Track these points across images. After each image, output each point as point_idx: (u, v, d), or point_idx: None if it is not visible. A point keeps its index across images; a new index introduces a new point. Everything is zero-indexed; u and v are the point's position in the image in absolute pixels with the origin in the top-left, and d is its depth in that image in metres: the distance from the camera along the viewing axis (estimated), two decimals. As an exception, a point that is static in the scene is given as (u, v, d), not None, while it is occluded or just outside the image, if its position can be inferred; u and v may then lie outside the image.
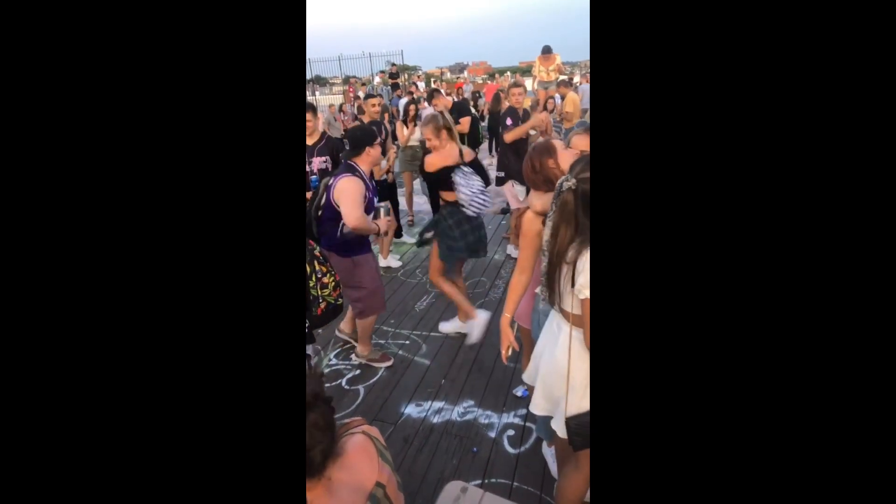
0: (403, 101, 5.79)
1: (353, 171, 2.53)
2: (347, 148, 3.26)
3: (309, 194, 3.15)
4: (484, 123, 8.61)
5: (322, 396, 1.02)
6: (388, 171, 4.05)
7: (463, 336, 3.13)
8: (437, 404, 2.59)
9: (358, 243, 2.63)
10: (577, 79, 11.60)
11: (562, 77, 7.97)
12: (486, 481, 2.09)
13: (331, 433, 1.01)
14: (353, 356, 3.02)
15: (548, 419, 1.62)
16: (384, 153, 3.53)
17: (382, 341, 3.21)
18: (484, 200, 2.78)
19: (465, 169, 2.78)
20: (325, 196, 2.54)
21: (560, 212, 1.36)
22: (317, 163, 3.36)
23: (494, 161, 4.75)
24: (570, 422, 1.42)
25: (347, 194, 2.44)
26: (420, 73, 20.35)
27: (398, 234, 4.64)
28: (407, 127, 4.94)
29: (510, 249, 4.44)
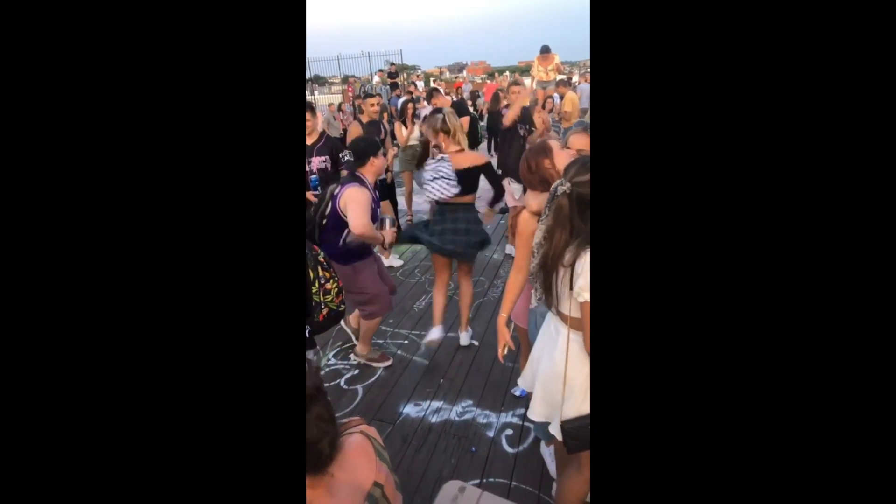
0: (402, 100, 5.78)
1: (360, 181, 2.55)
2: (346, 148, 3.25)
3: (309, 194, 3.16)
4: (483, 123, 8.61)
5: (323, 389, 1.02)
6: (387, 171, 4.05)
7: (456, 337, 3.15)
8: (436, 404, 2.59)
9: (359, 252, 2.63)
10: (575, 78, 11.61)
11: (561, 77, 7.98)
12: (485, 481, 2.09)
13: (334, 425, 1.01)
14: (351, 356, 3.02)
15: (546, 422, 1.62)
16: (384, 153, 3.53)
17: (381, 341, 3.22)
18: (439, 188, 2.73)
19: (445, 157, 2.75)
20: (330, 205, 2.54)
21: (555, 216, 1.35)
22: (316, 162, 3.36)
23: (494, 161, 4.76)
24: (566, 425, 1.42)
25: (355, 202, 2.46)
26: (419, 72, 20.35)
27: (394, 222, 4.66)
28: (406, 127, 4.93)
29: (509, 249, 4.45)
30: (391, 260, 4.40)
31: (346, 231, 2.50)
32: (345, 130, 6.05)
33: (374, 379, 2.83)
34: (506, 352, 1.86)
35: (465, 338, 3.09)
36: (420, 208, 5.60)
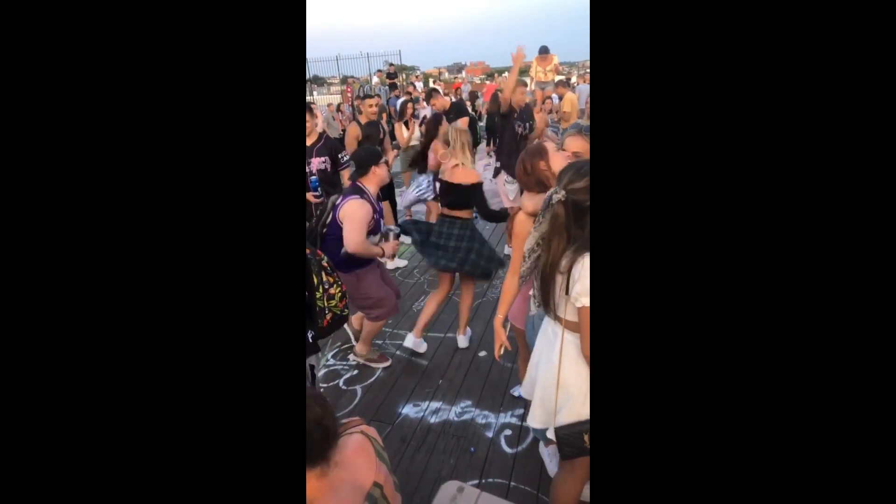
0: (401, 100, 5.79)
1: (362, 193, 2.53)
2: (344, 149, 3.24)
3: (309, 195, 3.16)
4: (482, 123, 8.61)
5: (321, 398, 1.03)
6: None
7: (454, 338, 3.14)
8: (435, 404, 2.60)
9: (360, 260, 2.61)
10: (574, 79, 11.62)
11: (559, 77, 7.99)
12: (483, 481, 2.09)
13: (332, 416, 1.02)
14: (350, 356, 3.02)
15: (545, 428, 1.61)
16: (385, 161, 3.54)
17: (380, 341, 3.21)
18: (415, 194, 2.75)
19: (427, 179, 2.76)
20: (331, 215, 2.54)
21: (551, 225, 1.34)
22: (315, 163, 3.35)
23: (493, 160, 4.76)
24: (560, 431, 1.42)
25: (351, 219, 2.44)
26: (418, 73, 20.32)
27: (398, 235, 4.65)
28: (407, 128, 4.93)
29: (507, 250, 4.45)
30: (396, 261, 4.39)
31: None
32: (344, 131, 6.05)
33: (373, 379, 2.83)
34: (502, 352, 1.86)
35: (463, 340, 3.09)
36: (419, 208, 5.60)
